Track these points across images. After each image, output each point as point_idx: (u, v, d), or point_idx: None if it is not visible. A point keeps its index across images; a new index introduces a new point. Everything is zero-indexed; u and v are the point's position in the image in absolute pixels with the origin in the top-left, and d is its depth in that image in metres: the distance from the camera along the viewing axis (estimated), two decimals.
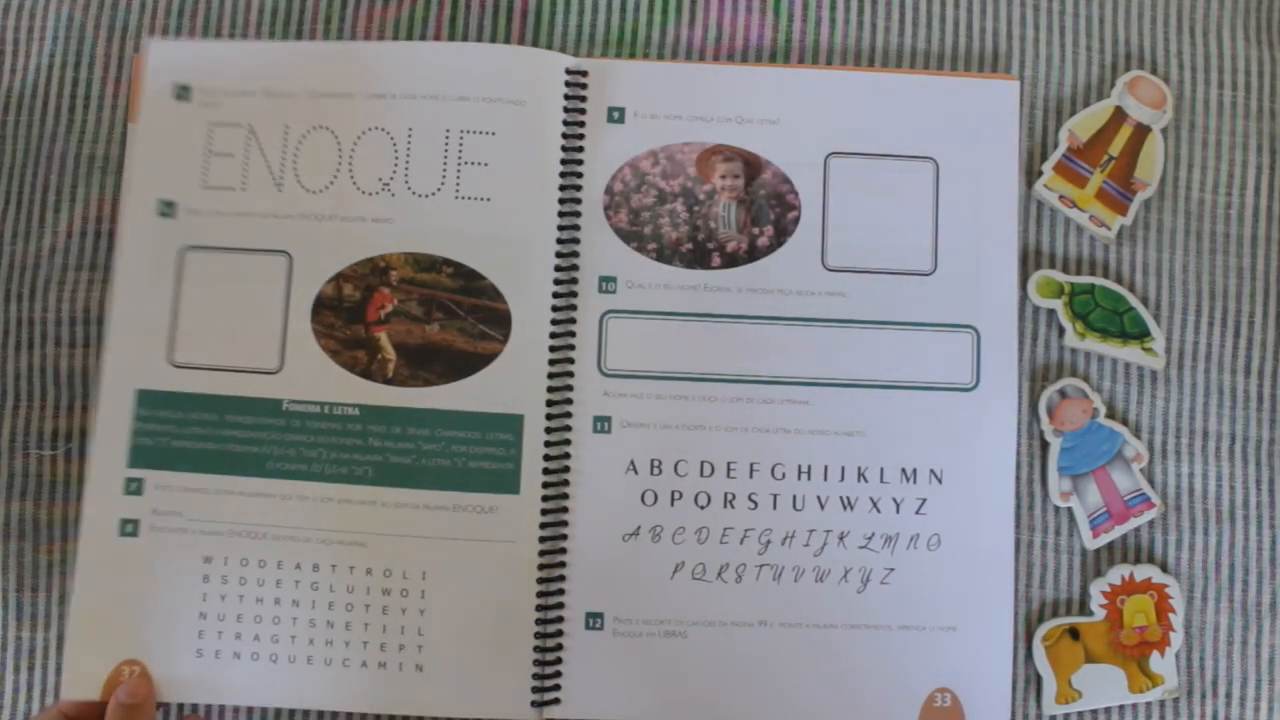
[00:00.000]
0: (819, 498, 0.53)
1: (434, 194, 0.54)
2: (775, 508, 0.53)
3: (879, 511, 0.53)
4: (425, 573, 0.52)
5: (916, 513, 0.53)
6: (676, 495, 0.53)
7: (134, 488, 0.52)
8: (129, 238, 0.54)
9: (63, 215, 0.55)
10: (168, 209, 0.54)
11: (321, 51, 0.55)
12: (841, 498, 0.53)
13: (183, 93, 0.54)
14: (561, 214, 0.54)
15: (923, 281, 0.54)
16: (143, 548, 0.52)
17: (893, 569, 0.53)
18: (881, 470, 0.53)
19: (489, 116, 0.54)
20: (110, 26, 0.56)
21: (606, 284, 0.54)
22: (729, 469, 0.53)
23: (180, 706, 0.52)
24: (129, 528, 0.52)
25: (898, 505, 0.53)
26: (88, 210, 0.55)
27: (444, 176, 0.54)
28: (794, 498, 0.53)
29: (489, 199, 0.53)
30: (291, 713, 0.53)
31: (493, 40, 0.56)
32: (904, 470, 0.53)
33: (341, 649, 0.52)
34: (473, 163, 0.54)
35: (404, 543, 0.52)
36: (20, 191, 0.55)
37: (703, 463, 0.53)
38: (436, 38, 0.56)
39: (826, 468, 0.53)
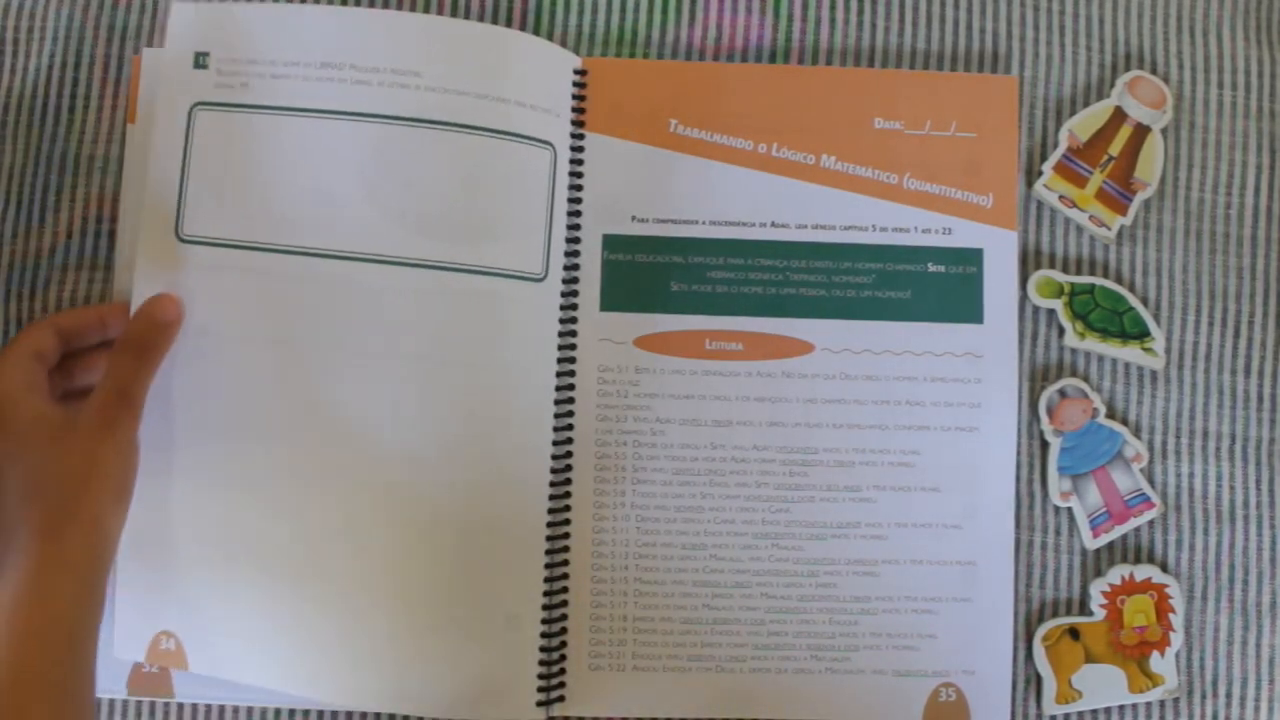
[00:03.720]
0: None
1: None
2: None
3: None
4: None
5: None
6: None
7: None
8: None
9: (63, 215, 0.55)
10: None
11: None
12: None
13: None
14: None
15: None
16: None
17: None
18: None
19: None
20: (110, 28, 0.56)
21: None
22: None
23: (195, 707, 0.53)
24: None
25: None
26: (88, 210, 0.55)
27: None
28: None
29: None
30: (292, 712, 0.53)
31: None
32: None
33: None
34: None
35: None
36: (20, 191, 0.55)
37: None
38: None
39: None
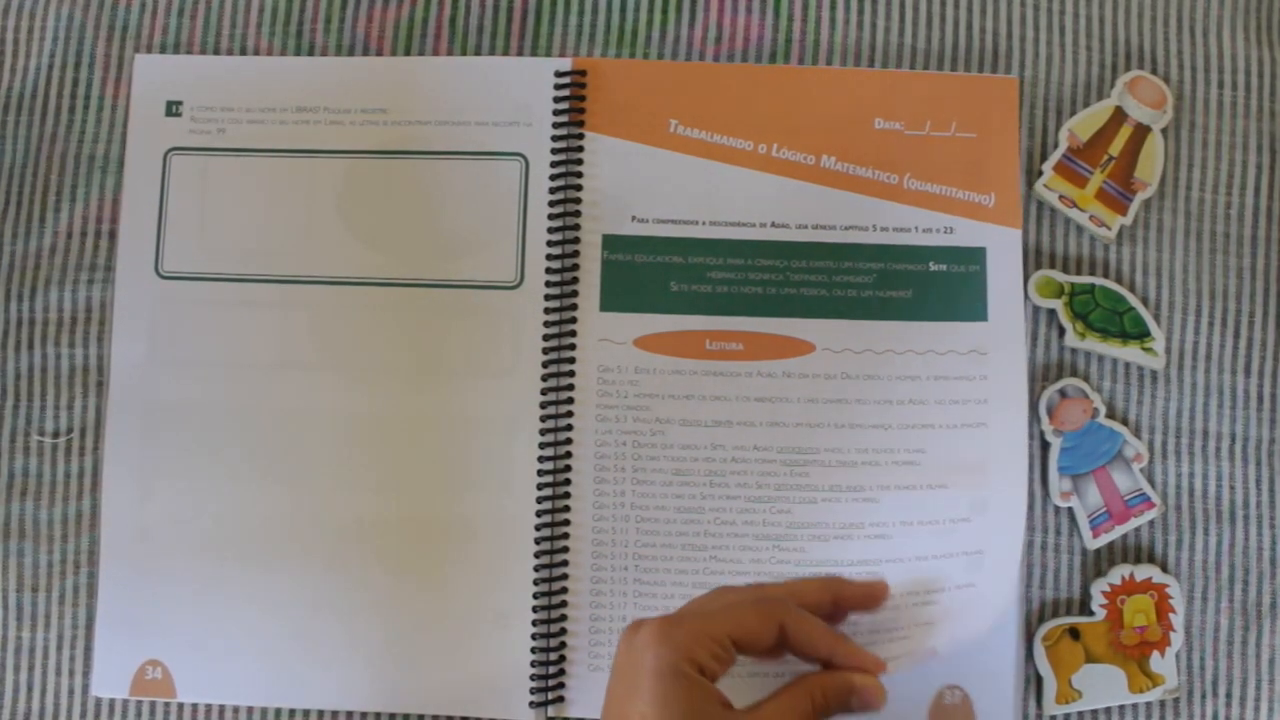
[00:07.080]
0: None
1: None
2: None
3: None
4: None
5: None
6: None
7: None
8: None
9: (63, 215, 0.55)
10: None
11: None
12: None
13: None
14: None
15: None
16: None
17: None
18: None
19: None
20: (110, 27, 0.56)
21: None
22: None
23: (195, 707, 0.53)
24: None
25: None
26: (88, 210, 0.55)
27: None
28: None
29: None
30: (292, 712, 0.53)
31: (493, 40, 0.56)
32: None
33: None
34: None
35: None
36: (20, 191, 0.55)
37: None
38: (437, 38, 0.56)
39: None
